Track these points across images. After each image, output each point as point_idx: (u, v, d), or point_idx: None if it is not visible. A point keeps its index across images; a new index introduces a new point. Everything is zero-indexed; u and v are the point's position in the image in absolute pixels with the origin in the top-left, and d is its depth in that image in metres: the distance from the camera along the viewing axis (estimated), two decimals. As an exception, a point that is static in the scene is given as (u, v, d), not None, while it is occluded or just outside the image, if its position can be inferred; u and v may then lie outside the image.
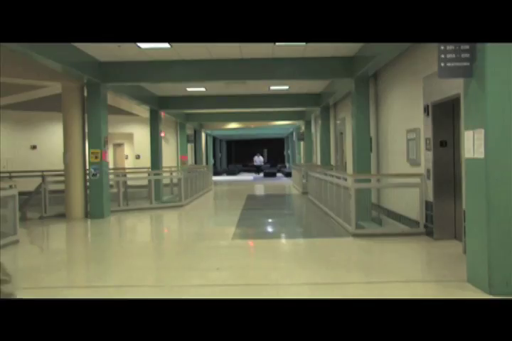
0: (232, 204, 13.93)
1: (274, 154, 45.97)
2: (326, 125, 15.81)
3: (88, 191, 10.47)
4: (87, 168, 10.48)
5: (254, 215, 11.09)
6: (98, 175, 10.35)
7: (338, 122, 14.63)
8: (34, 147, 17.00)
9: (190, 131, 23.18)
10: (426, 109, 7.24)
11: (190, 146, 23.16)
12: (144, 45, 8.91)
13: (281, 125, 25.58)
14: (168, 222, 11.01)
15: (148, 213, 11.38)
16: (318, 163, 16.96)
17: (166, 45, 8.97)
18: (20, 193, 8.10)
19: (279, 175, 32.40)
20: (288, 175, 27.57)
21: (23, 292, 4.87)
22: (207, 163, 29.29)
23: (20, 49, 7.26)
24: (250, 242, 7.79)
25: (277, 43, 8.81)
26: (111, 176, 11.87)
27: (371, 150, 9.99)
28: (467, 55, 4.52)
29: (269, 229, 9.52)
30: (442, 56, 4.58)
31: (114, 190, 11.79)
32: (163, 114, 16.41)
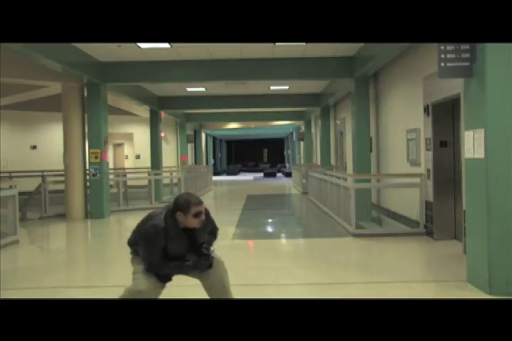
0: (232, 204, 13.92)
1: (274, 154, 45.98)
2: (326, 125, 15.81)
3: (88, 191, 10.47)
4: (87, 168, 10.48)
5: (254, 215, 11.09)
6: (98, 175, 10.35)
7: (338, 122, 14.63)
8: (34, 147, 16.99)
9: (190, 131, 23.17)
10: (426, 109, 7.23)
11: (190, 146, 23.16)
12: (143, 45, 8.91)
13: (281, 125, 25.59)
14: (168, 222, 10.96)
15: (148, 213, 11.34)
16: (318, 163, 16.96)
17: (166, 45, 8.97)
18: (20, 193, 8.10)
19: (279, 175, 32.40)
20: (288, 175, 27.57)
21: (23, 292, 4.87)
22: (207, 163, 29.29)
23: (20, 49, 7.26)
24: (250, 242, 7.79)
25: (277, 43, 8.81)
26: (111, 176, 11.87)
27: (371, 150, 9.98)
28: (467, 55, 4.52)
29: (269, 229, 9.52)
30: (442, 56, 4.57)
31: (114, 190, 11.79)
32: (163, 114, 16.41)
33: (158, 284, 3.30)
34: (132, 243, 3.49)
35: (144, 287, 3.25)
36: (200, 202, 3.32)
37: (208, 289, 3.50)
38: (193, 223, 3.27)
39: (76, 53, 9.10)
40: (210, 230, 3.56)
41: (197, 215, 3.26)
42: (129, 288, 3.31)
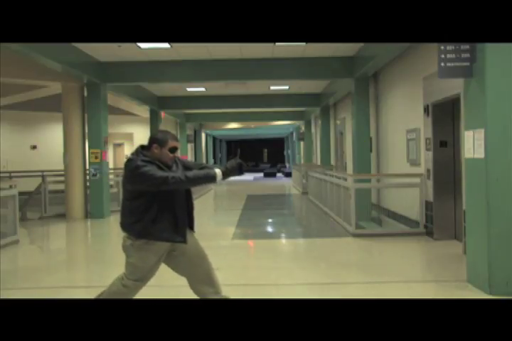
0: (232, 204, 13.92)
1: (274, 154, 45.96)
2: (326, 125, 15.81)
3: (88, 191, 10.48)
4: (87, 168, 10.48)
5: (254, 215, 11.09)
6: (98, 175, 10.35)
7: (338, 122, 14.63)
8: (34, 147, 16.99)
9: (190, 131, 23.17)
10: (426, 109, 7.23)
11: (190, 146, 23.16)
12: (143, 45, 8.91)
13: (281, 125, 25.58)
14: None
15: (148, 213, 11.31)
16: (318, 163, 16.96)
17: (166, 45, 8.97)
18: (20, 193, 8.10)
19: (279, 175, 32.41)
20: (288, 175, 27.57)
21: (23, 292, 4.87)
22: (207, 163, 29.29)
23: (20, 49, 7.26)
24: (250, 242, 7.79)
25: (277, 43, 8.81)
26: (111, 176, 11.87)
27: (371, 150, 9.98)
28: (467, 55, 4.52)
29: (269, 229, 9.52)
30: (442, 56, 4.58)
31: (114, 190, 11.79)
32: (163, 114, 16.41)
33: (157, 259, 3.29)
34: (129, 198, 3.28)
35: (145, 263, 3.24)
36: (177, 139, 3.39)
37: (186, 264, 3.37)
38: (167, 157, 3.28)
39: (76, 53, 9.10)
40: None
41: (172, 150, 3.29)
42: (130, 262, 3.27)
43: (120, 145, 21.61)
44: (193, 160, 24.55)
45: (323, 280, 5.19)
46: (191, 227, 3.47)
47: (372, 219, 9.43)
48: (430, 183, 7.15)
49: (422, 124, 7.46)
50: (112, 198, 10.96)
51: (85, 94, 10.51)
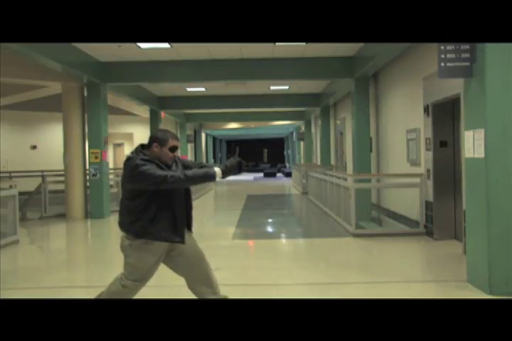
0: (232, 204, 13.92)
1: (274, 154, 45.97)
2: (326, 125, 15.81)
3: (88, 191, 10.48)
4: (87, 167, 10.48)
5: (254, 215, 11.09)
6: (98, 175, 10.35)
7: (338, 122, 14.63)
8: (34, 147, 16.99)
9: (190, 131, 23.17)
10: (426, 109, 7.23)
11: (190, 146, 23.15)
12: (143, 45, 8.91)
13: (281, 125, 25.58)
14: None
15: (148, 213, 11.30)
16: (318, 163, 16.96)
17: (166, 45, 8.97)
18: (20, 193, 8.09)
19: (279, 175, 32.41)
20: (288, 175, 27.58)
21: (23, 292, 4.87)
22: (207, 163, 29.25)
23: (20, 49, 7.26)
24: (250, 242, 7.79)
25: (277, 43, 8.81)
26: (111, 176, 11.87)
27: (371, 150, 9.98)
28: (467, 55, 4.52)
29: (270, 229, 9.52)
30: (442, 56, 4.58)
31: (114, 190, 11.79)
32: (163, 114, 16.42)
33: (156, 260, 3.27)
34: (128, 197, 3.26)
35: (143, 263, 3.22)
36: (178, 138, 3.36)
37: (184, 265, 3.36)
38: (167, 156, 3.26)
39: (76, 53, 9.10)
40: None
41: (172, 150, 3.27)
42: (131, 262, 3.24)
43: (120, 145, 21.60)
44: (193, 160, 24.55)
45: (323, 280, 5.19)
46: (189, 228, 3.46)
47: (372, 219, 9.43)
48: (430, 183, 7.15)
49: (422, 124, 7.46)
50: (111, 198, 10.95)
51: (85, 94, 10.51)
